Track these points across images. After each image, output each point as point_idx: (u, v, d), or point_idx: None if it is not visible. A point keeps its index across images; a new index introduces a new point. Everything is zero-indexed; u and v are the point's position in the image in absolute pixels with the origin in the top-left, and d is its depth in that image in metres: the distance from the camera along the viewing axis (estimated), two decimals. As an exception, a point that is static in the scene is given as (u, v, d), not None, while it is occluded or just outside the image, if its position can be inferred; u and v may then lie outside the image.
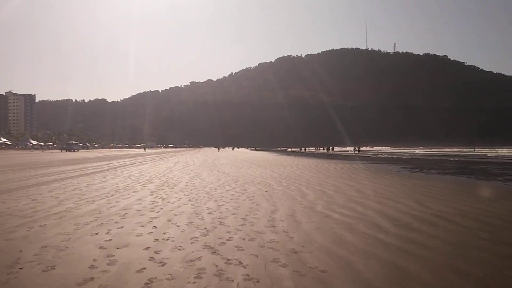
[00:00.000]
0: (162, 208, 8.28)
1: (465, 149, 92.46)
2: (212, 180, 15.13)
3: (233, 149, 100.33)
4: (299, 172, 19.85)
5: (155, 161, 32.35)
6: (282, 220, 7.04)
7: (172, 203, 9.08)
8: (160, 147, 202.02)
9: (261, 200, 9.62)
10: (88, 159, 37.45)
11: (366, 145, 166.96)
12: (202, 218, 7.24)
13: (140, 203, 8.98)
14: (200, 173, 19.09)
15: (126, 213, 7.66)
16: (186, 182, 13.96)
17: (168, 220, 7.00)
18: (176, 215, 7.52)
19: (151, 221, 6.89)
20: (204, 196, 10.23)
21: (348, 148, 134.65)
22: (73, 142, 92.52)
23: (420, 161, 36.12)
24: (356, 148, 60.63)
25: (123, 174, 18.11)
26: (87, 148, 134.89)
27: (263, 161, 34.61)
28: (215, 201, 9.42)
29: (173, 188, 12.05)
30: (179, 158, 41.39)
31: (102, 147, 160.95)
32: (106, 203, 8.98)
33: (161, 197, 10.12)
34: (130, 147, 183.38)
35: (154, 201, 9.30)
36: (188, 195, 10.52)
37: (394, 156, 51.33)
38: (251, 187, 12.64)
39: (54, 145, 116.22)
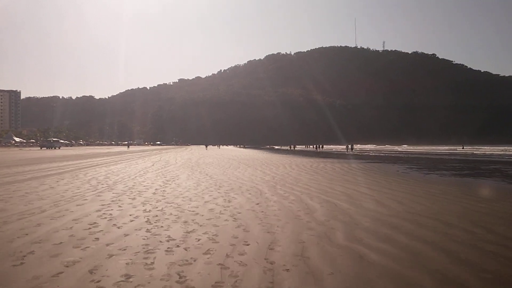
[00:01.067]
0: (97, 240, 5.33)
1: (453, 147, 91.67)
2: (189, 185, 12.19)
3: (219, 147, 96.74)
4: (294, 174, 17.02)
5: (133, 160, 29.23)
6: (287, 269, 4.15)
7: (119, 227, 6.14)
8: (148, 144, 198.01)
9: (251, 221, 6.73)
10: (61, 157, 34.12)
11: (357, 143, 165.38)
12: (152, 264, 4.30)
13: (71, 228, 6.02)
14: (178, 175, 16.12)
15: (32, 252, 4.70)
16: (156, 189, 10.99)
17: (91, 271, 4.05)
18: (110, 256, 4.58)
19: (56, 276, 3.93)
20: (170, 214, 7.29)
21: (338, 146, 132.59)
22: (53, 139, 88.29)
23: (415, 160, 33.61)
24: (349, 146, 57.86)
25: (85, 176, 15.04)
26: (71, 146, 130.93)
27: (252, 160, 31.71)
28: (184, 223, 6.50)
29: (134, 199, 9.07)
30: (162, 156, 38.27)
31: (87, 145, 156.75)
32: (18, 228, 6.00)
33: (110, 215, 7.15)
34: (116, 144, 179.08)
35: (94, 224, 6.35)
36: (150, 211, 7.57)
37: (385, 155, 48.94)
38: (238, 196, 9.74)
39: (37, 142, 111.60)
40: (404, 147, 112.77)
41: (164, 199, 9.16)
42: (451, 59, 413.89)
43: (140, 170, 19.08)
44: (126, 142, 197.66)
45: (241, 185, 12.39)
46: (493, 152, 54.62)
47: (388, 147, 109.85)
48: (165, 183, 12.68)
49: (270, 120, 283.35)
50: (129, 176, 15.33)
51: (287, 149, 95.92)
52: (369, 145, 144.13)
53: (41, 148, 76.71)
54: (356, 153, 55.06)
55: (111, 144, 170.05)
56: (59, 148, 76.64)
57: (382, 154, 50.64)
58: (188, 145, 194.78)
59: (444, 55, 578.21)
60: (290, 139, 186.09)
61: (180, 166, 22.63)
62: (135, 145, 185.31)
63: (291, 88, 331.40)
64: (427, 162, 30.49)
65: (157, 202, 8.68)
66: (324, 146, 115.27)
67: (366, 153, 54.82)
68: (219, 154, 46.40)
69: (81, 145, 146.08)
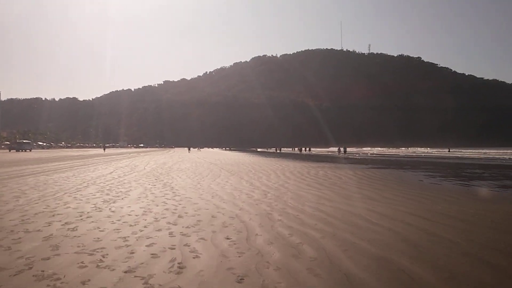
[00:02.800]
0: None
1: (439, 150, 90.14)
2: (130, 215, 7.53)
3: (198, 149, 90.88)
4: (293, 187, 12.53)
5: (96, 165, 24.36)
6: None
7: None
8: (130, 147, 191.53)
9: None
10: (14, 162, 29.02)
11: (348, 146, 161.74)
12: None
13: None
14: (131, 189, 11.44)
15: None
16: (62, 226, 6.36)
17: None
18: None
19: None
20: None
21: (328, 148, 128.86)
22: (24, 141, 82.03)
23: (423, 164, 29.49)
24: (341, 149, 52.97)
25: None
26: (48, 148, 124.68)
27: (237, 164, 27.08)
28: None
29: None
30: (134, 160, 33.40)
31: (68, 147, 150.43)
32: None
33: None
34: (98, 146, 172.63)
35: None
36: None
37: (384, 159, 44.94)
38: (204, 247, 5.12)
39: (8, 143, 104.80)
40: (402, 150, 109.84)
41: (43, 263, 4.52)
42: (436, 63, 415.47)
43: (89, 180, 14.37)
44: (107, 144, 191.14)
45: (216, 212, 7.76)
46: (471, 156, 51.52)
47: (383, 150, 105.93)
48: (97, 208, 8.04)
49: (257, 122, 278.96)
50: (63, 191, 10.63)
51: (273, 152, 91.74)
52: (362, 148, 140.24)
53: (10, 151, 71.07)
54: (350, 156, 50.89)
55: (92, 147, 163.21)
56: (30, 151, 70.98)
57: (380, 158, 46.60)
58: (172, 147, 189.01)
59: (428, 58, 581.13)
60: (277, 141, 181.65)
61: (145, 174, 17.92)
62: (117, 147, 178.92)
63: (278, 90, 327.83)
64: (439, 167, 26.35)
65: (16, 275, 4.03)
66: (313, 148, 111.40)
67: (359, 157, 50.71)
68: (201, 158, 41.65)
69: (61, 147, 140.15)
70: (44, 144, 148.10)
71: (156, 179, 15.12)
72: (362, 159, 43.23)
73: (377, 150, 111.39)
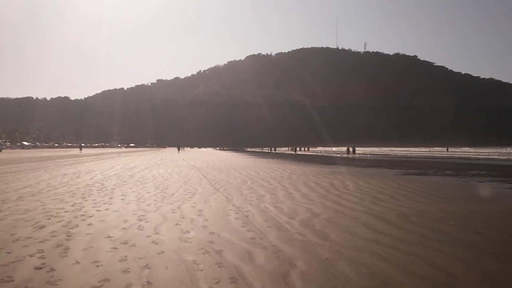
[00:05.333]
0: None
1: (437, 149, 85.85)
2: None
3: (181, 149, 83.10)
4: (337, 234, 6.18)
5: (33, 172, 17.83)
6: None
7: None
8: (121, 146, 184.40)
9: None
10: None
11: (347, 145, 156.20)
12: None
13: None
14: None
15: None
16: None
17: None
18: None
19: None
20: None
21: (324, 148, 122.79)
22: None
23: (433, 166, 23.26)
24: (350, 149, 45.68)
25: None
26: (29, 148, 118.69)
27: (228, 170, 20.58)
28: None
29: None
30: (100, 164, 26.85)
31: (55, 147, 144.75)
32: None
33: None
34: (92, 146, 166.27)
35: None
36: None
37: (404, 159, 38.74)
38: None
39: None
40: (409, 150, 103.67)
41: None
42: (432, 61, 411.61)
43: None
44: (96, 144, 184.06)
45: None
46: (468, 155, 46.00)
47: (390, 150, 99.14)
48: None
49: (252, 122, 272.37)
50: None
51: (268, 152, 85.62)
52: (366, 148, 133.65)
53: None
54: (360, 157, 44.55)
55: (74, 147, 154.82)
56: (0, 151, 64.59)
57: (393, 159, 40.35)
58: (164, 147, 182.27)
59: (424, 57, 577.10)
60: (272, 141, 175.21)
61: (72, 191, 11.44)
62: (107, 147, 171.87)
63: (273, 89, 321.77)
64: (492, 171, 20.11)
65: None
66: (312, 148, 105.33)
67: (371, 157, 44.43)
68: (186, 160, 35.09)
69: (49, 147, 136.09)
70: (29, 144, 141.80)
71: (73, 205, 8.63)
72: (376, 160, 37.04)
73: (389, 150, 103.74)
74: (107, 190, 11.03)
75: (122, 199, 9.23)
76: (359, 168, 23.97)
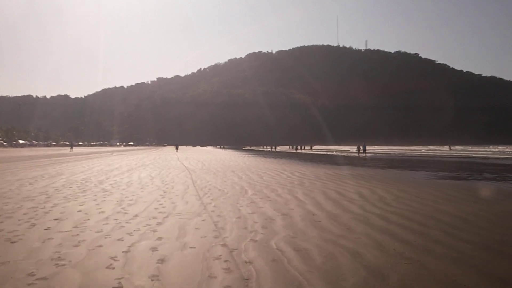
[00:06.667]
0: None
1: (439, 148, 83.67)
2: None
3: (177, 148, 78.40)
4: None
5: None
6: None
7: None
8: (120, 145, 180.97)
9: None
10: None
11: (349, 144, 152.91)
12: None
13: None
14: None
15: None
16: None
17: None
18: None
19: None
20: None
21: (327, 147, 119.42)
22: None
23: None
24: (361, 148, 41.85)
25: None
26: (23, 147, 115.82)
27: (225, 172, 17.14)
28: None
29: None
30: (83, 164, 23.49)
31: (53, 145, 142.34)
32: None
33: None
34: (89, 145, 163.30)
35: None
36: None
37: (423, 159, 35.34)
38: None
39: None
40: (409, 148, 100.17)
41: None
42: (434, 59, 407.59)
43: None
44: (95, 143, 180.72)
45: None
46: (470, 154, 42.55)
47: (396, 148, 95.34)
48: None
49: (253, 120, 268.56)
50: None
51: (269, 151, 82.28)
52: (375, 146, 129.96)
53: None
54: (375, 157, 41.07)
55: (65, 145, 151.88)
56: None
57: (408, 158, 36.99)
58: (164, 145, 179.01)
59: (426, 55, 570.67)
60: (273, 139, 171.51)
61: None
62: (106, 145, 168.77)
63: (273, 87, 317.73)
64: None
65: None
66: (315, 146, 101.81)
67: (385, 157, 41.02)
68: (181, 159, 31.67)
69: (45, 145, 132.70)
70: (25, 142, 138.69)
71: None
72: (390, 159, 33.66)
73: (396, 148, 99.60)
74: (38, 210, 7.55)
75: (46, 229, 5.79)
76: (377, 169, 20.60)
